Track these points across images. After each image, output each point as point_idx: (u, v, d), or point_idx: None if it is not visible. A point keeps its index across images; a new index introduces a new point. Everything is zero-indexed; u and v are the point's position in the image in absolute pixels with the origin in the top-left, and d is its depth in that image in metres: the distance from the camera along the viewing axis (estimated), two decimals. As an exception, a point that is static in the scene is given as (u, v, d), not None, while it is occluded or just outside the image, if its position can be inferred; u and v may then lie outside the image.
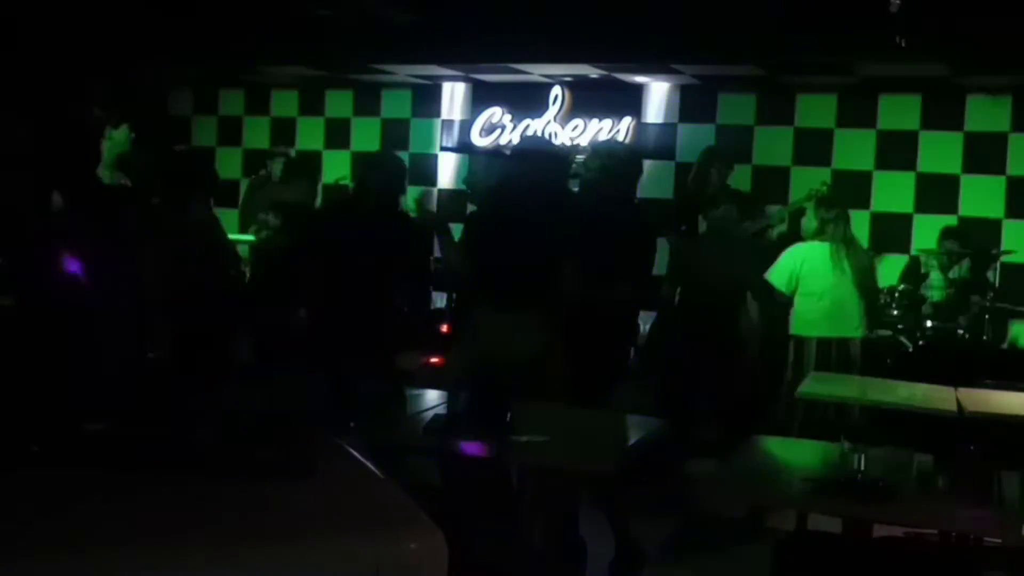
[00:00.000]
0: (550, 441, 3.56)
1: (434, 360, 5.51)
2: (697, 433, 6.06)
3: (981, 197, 7.88)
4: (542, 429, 3.63)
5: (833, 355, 6.14)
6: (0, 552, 1.62)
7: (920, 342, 6.76)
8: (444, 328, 6.78)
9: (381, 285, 5.13)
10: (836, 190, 7.72)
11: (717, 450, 5.06)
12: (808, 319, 6.22)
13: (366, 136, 9.69)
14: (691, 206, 7.08)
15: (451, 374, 4.80)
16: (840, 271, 6.15)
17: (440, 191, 9.44)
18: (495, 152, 7.96)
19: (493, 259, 4.58)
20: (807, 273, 6.18)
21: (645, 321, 6.76)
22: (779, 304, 6.35)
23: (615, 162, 5.02)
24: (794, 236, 6.77)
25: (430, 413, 3.92)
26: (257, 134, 10.16)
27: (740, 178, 7.83)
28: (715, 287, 6.32)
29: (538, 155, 4.95)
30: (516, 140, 8.87)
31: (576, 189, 5.35)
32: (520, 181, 4.76)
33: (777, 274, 6.25)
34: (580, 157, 7.20)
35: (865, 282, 6.27)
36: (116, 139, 5.41)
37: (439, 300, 8.58)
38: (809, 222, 6.32)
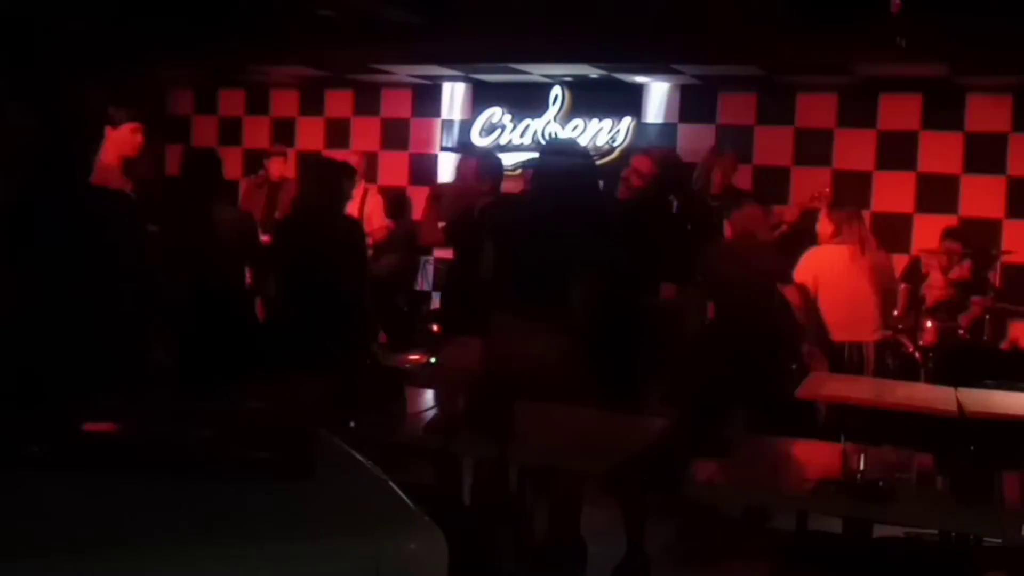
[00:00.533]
0: (550, 442, 3.56)
1: (413, 358, 5.49)
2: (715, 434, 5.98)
3: (981, 197, 7.88)
4: (544, 429, 3.63)
5: (847, 359, 6.10)
6: (0, 552, 1.62)
7: (920, 342, 6.76)
8: (435, 327, 6.76)
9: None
10: (836, 190, 7.75)
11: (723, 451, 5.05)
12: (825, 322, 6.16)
13: (366, 136, 9.70)
14: (694, 206, 7.07)
15: (448, 374, 4.79)
16: (857, 274, 6.12)
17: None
18: (488, 151, 7.94)
19: (517, 261, 4.54)
20: (825, 276, 6.14)
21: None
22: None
23: (670, 170, 5.00)
24: (796, 237, 6.75)
25: (430, 413, 3.93)
26: (257, 134, 10.16)
27: (740, 178, 7.83)
28: (748, 290, 6.13)
29: (573, 157, 4.91)
30: (516, 140, 8.88)
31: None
32: (556, 183, 4.69)
33: (801, 277, 6.18)
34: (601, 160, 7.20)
35: (883, 283, 6.23)
36: (119, 139, 5.36)
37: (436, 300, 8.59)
38: (824, 225, 6.28)
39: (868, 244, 6.28)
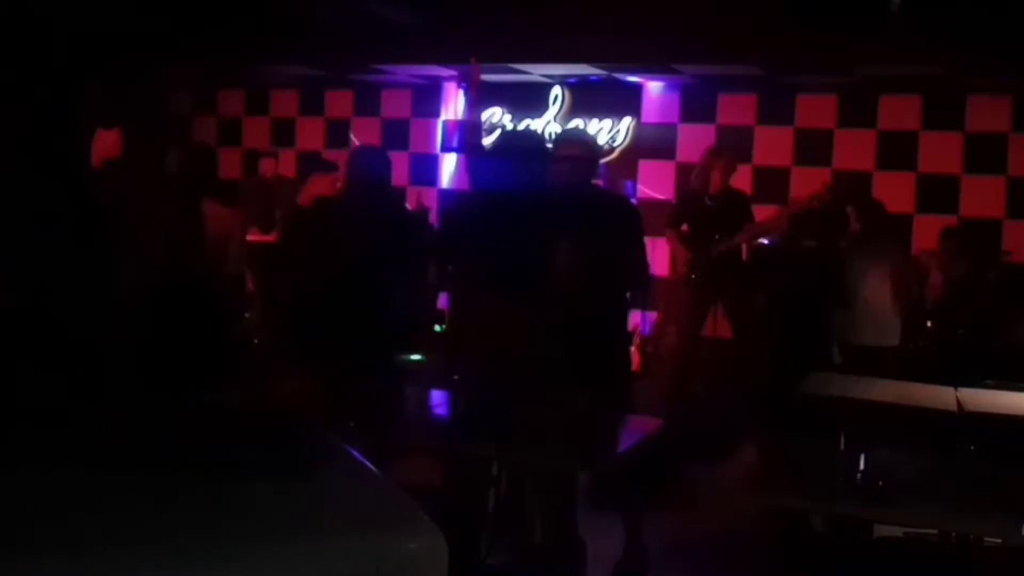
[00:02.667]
0: (549, 441, 3.55)
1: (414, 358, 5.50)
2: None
3: (981, 197, 7.88)
4: (542, 428, 3.63)
5: (867, 362, 6.04)
6: (0, 552, 1.62)
7: (920, 342, 6.75)
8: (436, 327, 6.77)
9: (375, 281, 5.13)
10: (836, 190, 7.73)
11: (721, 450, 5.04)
12: (848, 326, 6.12)
13: (366, 136, 9.70)
14: (692, 206, 7.07)
15: (448, 372, 4.79)
16: (879, 276, 6.09)
17: (440, 191, 9.45)
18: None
19: (491, 254, 4.54)
20: (849, 279, 6.11)
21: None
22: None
23: (587, 148, 4.98)
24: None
25: (430, 413, 3.93)
26: (257, 134, 10.17)
27: (740, 178, 7.83)
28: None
29: (521, 149, 4.89)
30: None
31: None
32: (508, 176, 4.69)
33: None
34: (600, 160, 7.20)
35: (903, 285, 6.20)
36: (105, 141, 5.34)
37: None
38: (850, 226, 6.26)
39: (889, 246, 6.25)
